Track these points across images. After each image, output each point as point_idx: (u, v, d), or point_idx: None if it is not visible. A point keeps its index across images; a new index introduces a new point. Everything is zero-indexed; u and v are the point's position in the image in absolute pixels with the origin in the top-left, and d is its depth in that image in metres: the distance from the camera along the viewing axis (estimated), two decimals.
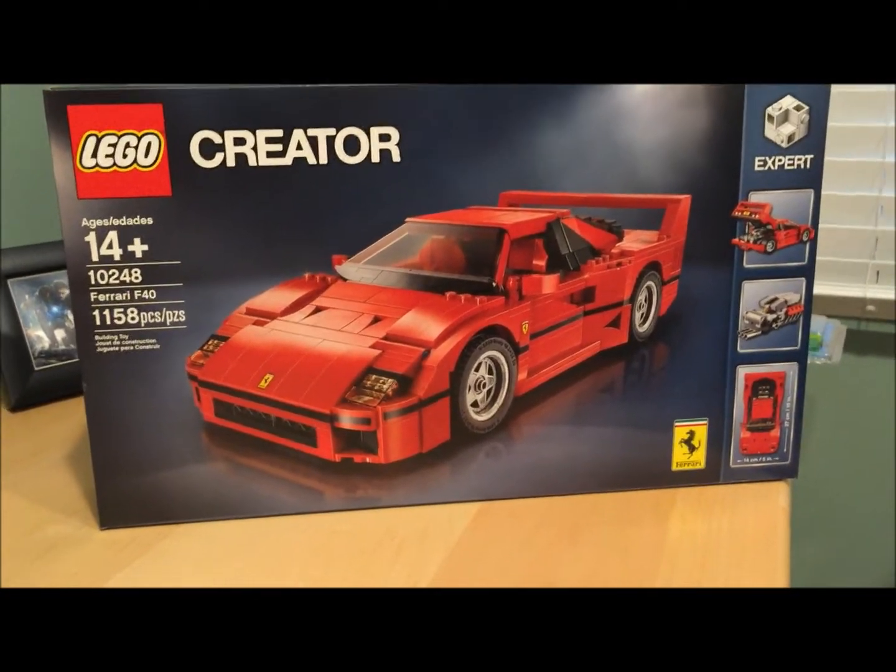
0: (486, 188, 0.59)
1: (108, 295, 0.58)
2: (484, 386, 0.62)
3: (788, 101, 0.60)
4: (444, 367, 0.60)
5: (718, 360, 0.64)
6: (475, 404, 0.62)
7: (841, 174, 1.25)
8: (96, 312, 0.58)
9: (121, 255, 0.57)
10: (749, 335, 0.64)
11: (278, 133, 0.56)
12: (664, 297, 0.63)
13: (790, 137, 0.60)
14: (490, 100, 0.57)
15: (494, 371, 0.62)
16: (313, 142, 0.57)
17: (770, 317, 0.64)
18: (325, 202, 0.58)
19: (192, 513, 0.62)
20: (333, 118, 0.56)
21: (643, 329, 0.64)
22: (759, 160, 0.60)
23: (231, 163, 0.56)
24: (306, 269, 0.59)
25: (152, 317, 0.58)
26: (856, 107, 1.25)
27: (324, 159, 0.57)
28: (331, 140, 0.57)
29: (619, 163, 0.59)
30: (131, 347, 0.59)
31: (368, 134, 0.57)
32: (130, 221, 0.56)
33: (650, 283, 0.63)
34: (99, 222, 0.56)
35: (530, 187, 0.59)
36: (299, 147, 0.57)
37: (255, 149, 0.56)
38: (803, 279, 0.63)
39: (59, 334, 0.87)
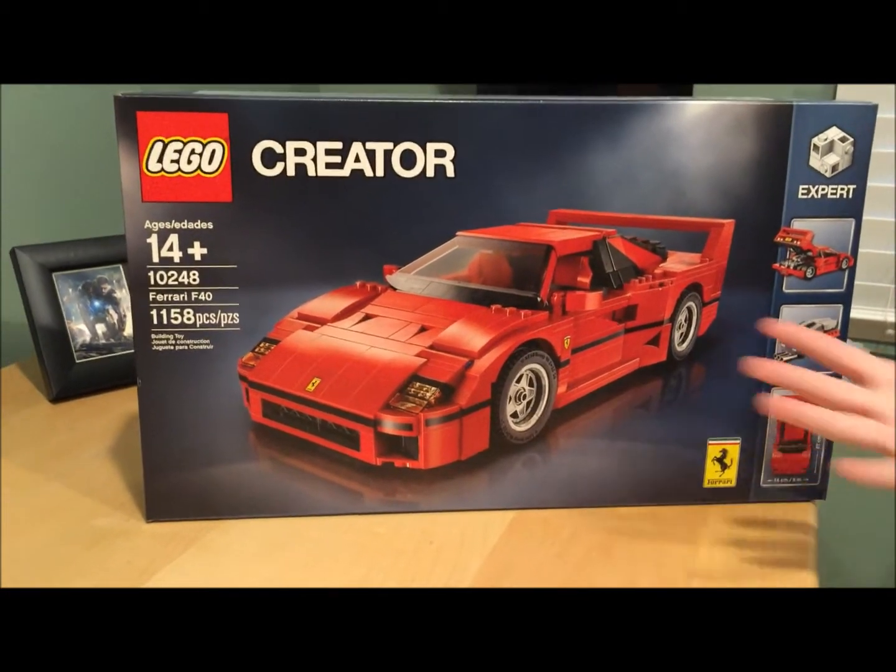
0: (535, 205, 0.60)
1: (166, 295, 0.59)
2: (524, 398, 0.64)
3: (834, 132, 0.61)
4: (487, 377, 0.62)
5: (754, 382, 0.65)
6: (515, 415, 0.64)
7: None
8: (154, 312, 0.60)
9: (180, 258, 0.59)
10: (785, 358, 0.65)
11: (338, 145, 0.58)
12: (704, 318, 0.64)
13: (834, 168, 0.62)
14: (542, 118, 0.59)
15: (535, 383, 0.64)
16: (371, 155, 0.58)
17: None
18: (379, 213, 0.60)
19: (236, 509, 0.64)
20: (392, 133, 0.58)
21: (682, 348, 0.65)
22: (802, 188, 0.62)
23: (291, 172, 0.58)
24: (358, 277, 0.61)
25: (207, 318, 0.60)
26: (876, 131, 1.26)
27: (380, 172, 0.59)
28: (388, 154, 0.58)
29: (666, 186, 0.61)
30: (186, 347, 0.60)
31: (425, 149, 0.58)
32: (191, 225, 0.58)
33: (691, 303, 0.65)
34: (161, 225, 0.58)
35: (579, 206, 0.61)
36: (357, 160, 0.58)
37: (314, 159, 0.58)
38: (840, 306, 0.65)
39: (100, 328, 0.89)
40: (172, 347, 0.60)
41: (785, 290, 0.64)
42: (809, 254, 0.63)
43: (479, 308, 0.62)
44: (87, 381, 0.87)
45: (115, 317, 0.90)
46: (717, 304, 0.64)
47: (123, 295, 0.90)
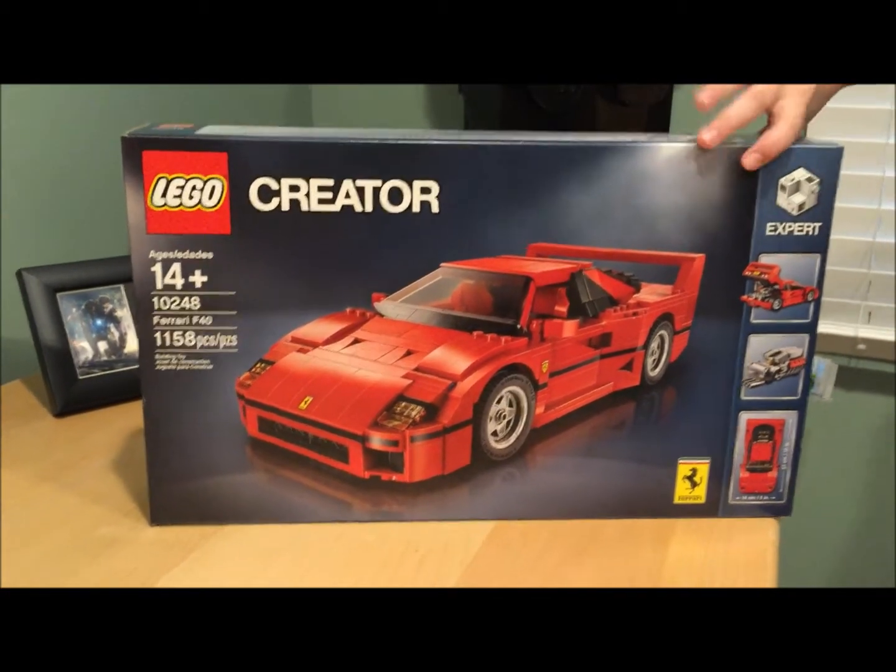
0: (515, 239, 0.64)
1: (169, 319, 0.64)
2: (504, 417, 0.68)
3: (801, 173, 0.64)
4: (469, 398, 0.66)
5: (723, 406, 0.69)
6: (495, 433, 0.68)
7: (837, 220, 1.30)
8: (158, 334, 0.64)
9: (182, 285, 0.63)
10: (753, 384, 0.69)
11: (330, 182, 0.62)
12: (675, 346, 0.68)
13: (801, 206, 0.65)
14: (521, 158, 0.63)
15: (514, 404, 0.68)
16: (360, 191, 0.62)
17: (773, 368, 0.69)
18: (368, 246, 0.64)
19: (233, 517, 0.68)
20: (380, 171, 0.62)
21: (654, 373, 0.69)
22: (770, 226, 0.65)
23: (286, 207, 0.62)
24: (348, 304, 0.65)
25: (207, 340, 0.65)
26: (850, 157, 1.29)
27: (369, 208, 0.63)
28: (376, 191, 0.62)
29: (639, 222, 0.64)
30: (187, 367, 0.65)
31: (411, 186, 0.62)
32: (192, 255, 0.63)
33: (663, 332, 0.68)
34: (164, 255, 0.62)
35: (556, 240, 0.64)
36: (348, 196, 0.62)
37: (307, 195, 0.62)
38: (807, 335, 0.68)
39: (102, 346, 0.93)
40: (175, 367, 0.65)
41: (753, 321, 0.67)
42: (776, 287, 0.67)
43: (461, 334, 0.66)
44: (89, 396, 0.91)
45: (117, 335, 0.94)
46: (689, 332, 0.68)
47: (124, 314, 0.94)
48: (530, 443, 0.69)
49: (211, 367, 0.65)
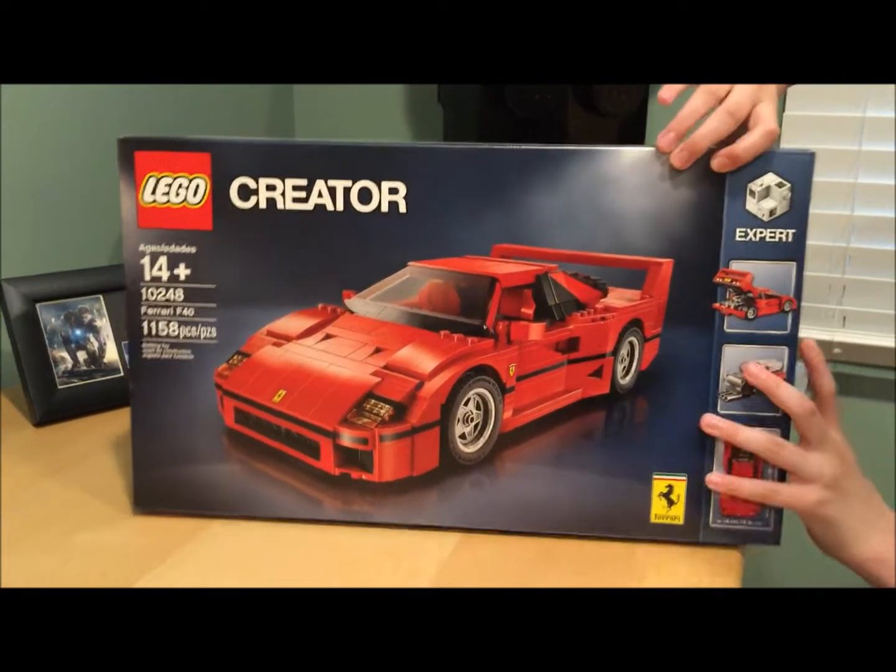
0: (481, 240, 0.66)
1: (155, 309, 0.69)
2: (472, 420, 0.68)
3: (770, 178, 0.64)
4: (436, 399, 0.67)
5: (697, 419, 0.67)
6: (463, 436, 0.68)
7: (811, 225, 1.27)
8: (145, 323, 0.69)
9: (168, 277, 0.68)
10: (729, 397, 0.67)
11: (303, 182, 0.66)
12: (646, 353, 0.67)
13: (772, 212, 0.64)
14: (488, 161, 0.65)
15: (482, 407, 0.68)
16: (332, 191, 0.66)
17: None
18: (339, 244, 0.67)
19: (210, 506, 0.71)
20: (351, 171, 0.66)
21: (625, 381, 0.68)
22: (740, 231, 0.65)
23: (263, 205, 0.66)
24: (320, 300, 0.68)
25: (189, 331, 0.69)
26: (822, 163, 1.26)
27: (340, 207, 0.66)
28: (347, 190, 0.66)
29: (605, 225, 0.65)
30: (170, 356, 0.69)
31: (380, 187, 0.66)
32: (177, 249, 0.67)
33: (632, 338, 0.68)
34: (152, 248, 0.68)
35: (521, 242, 0.66)
36: (320, 195, 0.66)
37: (283, 194, 0.66)
38: (785, 348, 0.66)
39: (82, 355, 0.95)
40: (159, 356, 0.69)
41: (726, 330, 0.66)
42: (750, 295, 0.65)
43: (428, 333, 0.68)
44: (68, 406, 0.93)
45: (96, 345, 0.96)
46: (659, 340, 0.67)
47: (104, 324, 0.96)
48: (499, 448, 0.69)
49: (192, 357, 0.69)
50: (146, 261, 0.68)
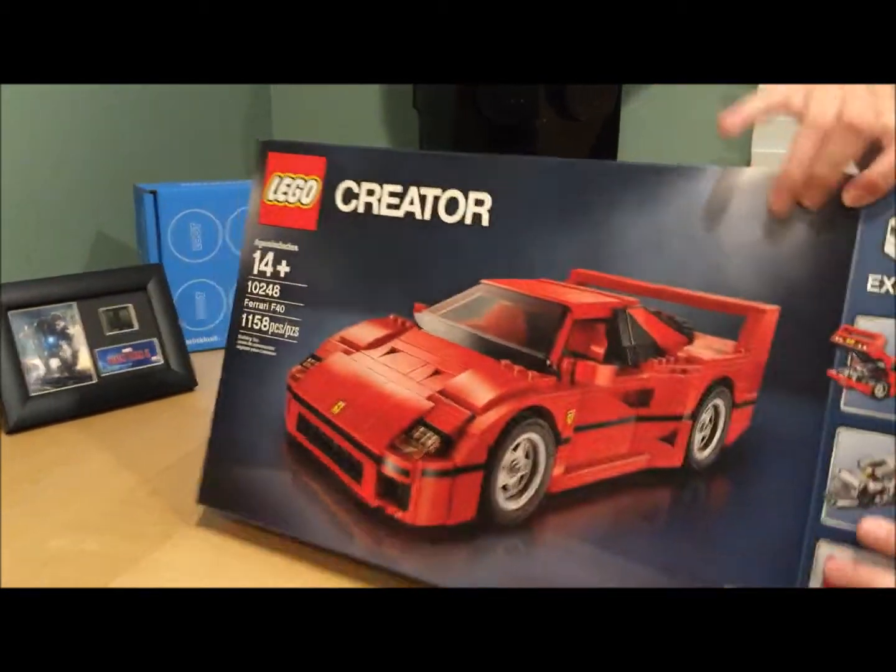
0: (561, 262, 0.58)
1: (255, 303, 0.70)
2: (518, 470, 0.58)
3: None
4: (486, 437, 0.58)
5: (794, 524, 0.50)
6: (506, 488, 0.58)
7: None
8: (244, 315, 0.70)
9: (270, 273, 0.69)
10: (840, 503, 0.49)
11: (398, 188, 0.64)
12: (734, 423, 0.52)
13: None
14: (576, 176, 0.58)
15: (531, 456, 0.58)
16: (423, 199, 0.63)
17: (872, 485, 0.48)
18: (422, 253, 0.63)
19: (258, 514, 0.67)
20: (442, 180, 0.62)
21: (703, 455, 0.53)
22: (873, 279, 0.49)
23: (361, 209, 0.66)
24: (395, 310, 0.64)
25: (277, 327, 0.68)
26: None
27: (427, 216, 0.63)
28: (436, 199, 0.62)
29: (701, 257, 0.53)
30: (258, 351, 0.69)
31: (467, 197, 0.61)
32: (283, 246, 0.69)
33: (718, 401, 0.53)
34: (264, 244, 0.70)
35: (603, 268, 0.56)
36: (412, 202, 0.63)
37: (379, 200, 0.65)
38: None
39: (54, 363, 0.92)
40: (249, 348, 0.69)
41: (844, 408, 0.49)
42: (880, 364, 0.49)
43: (490, 360, 0.60)
44: (42, 413, 0.90)
45: (69, 352, 0.94)
46: (752, 408, 0.52)
47: (76, 331, 0.94)
48: (542, 511, 0.57)
49: (275, 354, 0.68)
50: (257, 255, 0.70)
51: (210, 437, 0.71)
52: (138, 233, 1.14)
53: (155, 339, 0.98)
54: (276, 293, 0.69)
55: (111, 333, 0.96)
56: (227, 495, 0.69)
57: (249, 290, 0.70)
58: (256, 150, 0.71)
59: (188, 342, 1.02)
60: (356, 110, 1.71)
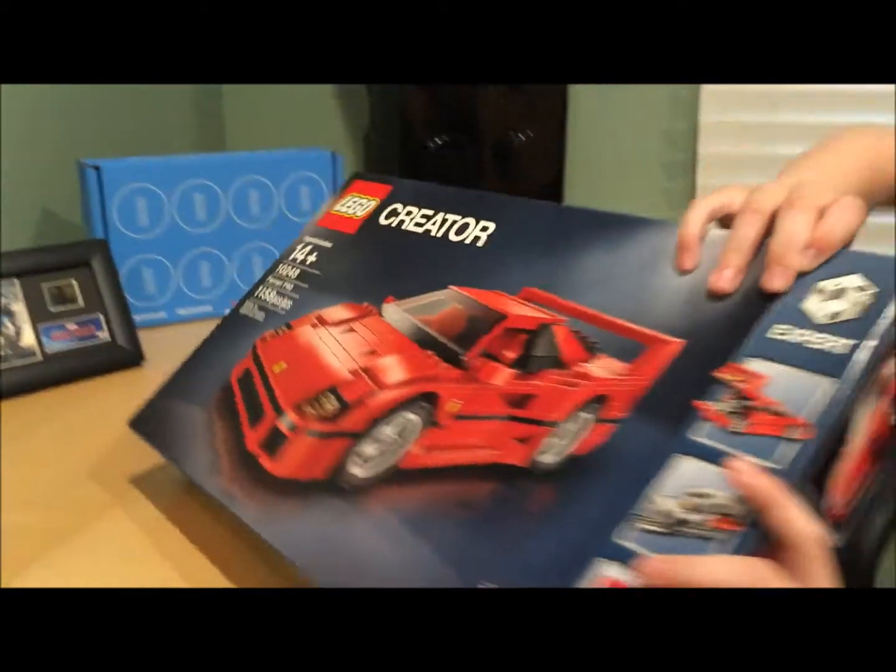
0: (527, 281, 0.58)
1: (275, 279, 0.74)
2: (383, 442, 0.55)
3: (853, 281, 0.45)
4: (375, 410, 0.57)
5: (589, 538, 0.43)
6: (362, 455, 0.55)
7: None
8: (260, 287, 0.75)
9: (300, 260, 0.74)
10: (645, 525, 0.42)
11: (431, 212, 0.69)
12: (591, 436, 0.47)
13: (834, 315, 0.44)
14: (563, 218, 0.60)
15: (404, 434, 0.55)
16: (444, 222, 0.67)
17: (691, 516, 0.41)
18: (420, 261, 0.66)
19: (167, 448, 0.67)
20: (465, 209, 0.66)
21: (546, 459, 0.48)
22: (779, 327, 0.45)
23: (395, 224, 0.70)
24: (377, 302, 0.66)
25: (276, 300, 0.72)
26: None
27: (440, 234, 0.66)
28: (454, 223, 0.66)
29: (640, 294, 0.52)
30: (252, 316, 0.72)
31: (477, 223, 0.65)
32: (322, 242, 0.74)
33: (588, 414, 0.48)
34: (310, 239, 0.76)
35: (557, 292, 0.56)
36: (434, 223, 0.68)
37: (412, 219, 0.69)
38: None
39: None
40: (248, 314, 0.73)
41: (690, 436, 0.44)
42: (750, 403, 0.43)
43: (417, 349, 0.59)
44: None
45: (12, 329, 0.91)
46: (616, 427, 0.47)
47: (20, 308, 0.91)
48: (382, 483, 0.53)
49: (262, 319, 0.71)
50: (299, 246, 0.76)
51: (171, 375, 0.73)
52: (84, 209, 1.09)
53: (100, 315, 0.96)
54: (294, 275, 0.74)
55: (55, 310, 0.94)
56: (152, 426, 0.70)
57: (276, 270, 0.75)
58: (345, 178, 0.80)
59: (136, 318, 1.00)
60: (308, 114, 1.89)
